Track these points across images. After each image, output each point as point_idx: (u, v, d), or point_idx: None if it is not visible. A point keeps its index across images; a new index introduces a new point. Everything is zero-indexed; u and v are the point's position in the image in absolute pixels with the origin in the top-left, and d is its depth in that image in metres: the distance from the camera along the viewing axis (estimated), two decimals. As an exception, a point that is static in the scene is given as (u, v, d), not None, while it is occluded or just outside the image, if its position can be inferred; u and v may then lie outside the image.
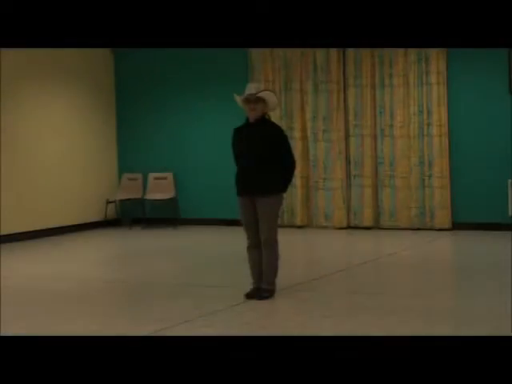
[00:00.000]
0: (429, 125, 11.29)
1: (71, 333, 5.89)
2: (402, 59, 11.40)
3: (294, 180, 12.00)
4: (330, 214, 11.91)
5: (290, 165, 6.89)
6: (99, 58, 12.96)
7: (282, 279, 6.98)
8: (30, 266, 9.33)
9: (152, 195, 12.82)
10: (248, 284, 6.92)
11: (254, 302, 6.72)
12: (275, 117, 12.04)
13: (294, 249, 10.66)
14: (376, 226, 11.68)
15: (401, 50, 11.38)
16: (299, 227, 12.02)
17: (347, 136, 11.83)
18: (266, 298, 6.76)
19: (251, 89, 6.81)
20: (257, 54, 12.19)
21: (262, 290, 6.82)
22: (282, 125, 12.04)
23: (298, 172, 12.03)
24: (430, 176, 11.30)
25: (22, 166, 11.58)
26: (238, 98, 6.86)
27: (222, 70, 12.50)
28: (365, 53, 11.58)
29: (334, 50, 11.70)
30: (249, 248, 6.94)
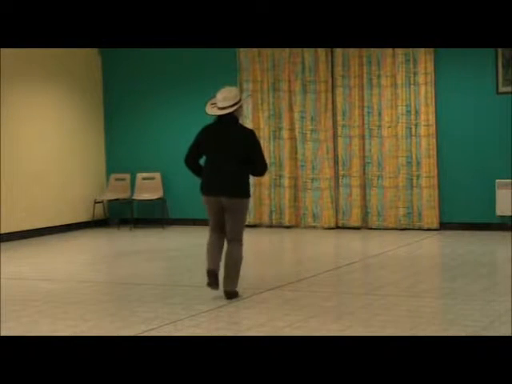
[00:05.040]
0: (417, 125, 11.31)
1: (59, 333, 5.88)
2: (390, 60, 11.42)
3: (282, 180, 12.07)
4: (319, 214, 11.91)
5: (262, 170, 6.90)
6: (86, 59, 12.91)
7: (270, 279, 6.98)
8: (18, 266, 9.29)
9: (140, 195, 12.80)
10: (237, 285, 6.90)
11: (241, 303, 6.72)
12: (263, 117, 12.10)
13: (283, 249, 10.66)
14: (364, 226, 11.69)
15: (389, 51, 11.39)
16: (287, 227, 12.00)
17: (335, 136, 11.84)
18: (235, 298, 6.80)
19: (220, 101, 6.73)
20: (245, 54, 12.18)
21: (230, 293, 6.77)
22: (270, 125, 12.07)
23: (286, 172, 12.04)
24: (417, 176, 11.32)
25: (8, 166, 11.52)
26: (209, 109, 6.85)
27: (210, 70, 12.48)
28: (353, 53, 11.59)
29: (322, 50, 11.71)
30: (211, 231, 6.89)
